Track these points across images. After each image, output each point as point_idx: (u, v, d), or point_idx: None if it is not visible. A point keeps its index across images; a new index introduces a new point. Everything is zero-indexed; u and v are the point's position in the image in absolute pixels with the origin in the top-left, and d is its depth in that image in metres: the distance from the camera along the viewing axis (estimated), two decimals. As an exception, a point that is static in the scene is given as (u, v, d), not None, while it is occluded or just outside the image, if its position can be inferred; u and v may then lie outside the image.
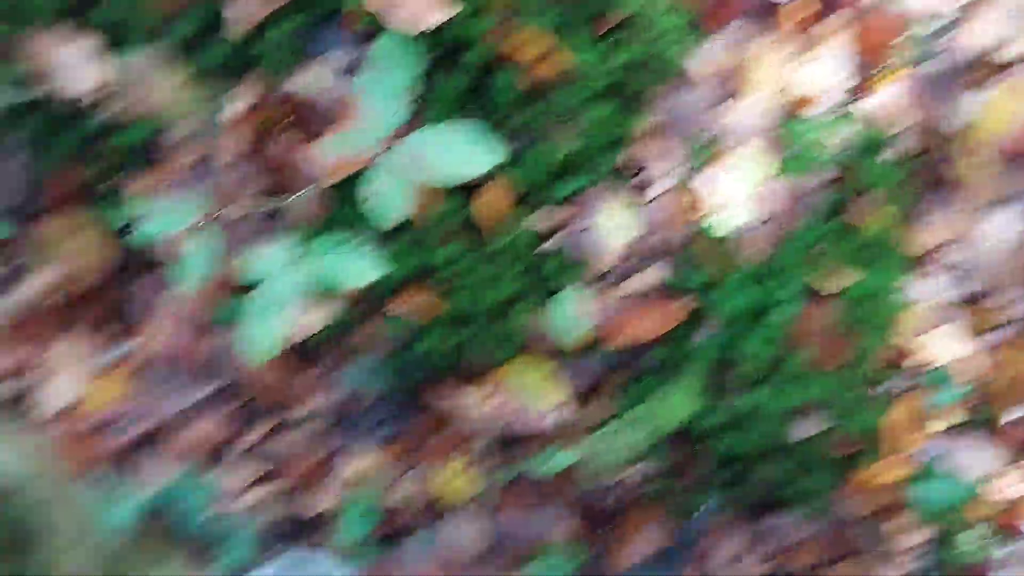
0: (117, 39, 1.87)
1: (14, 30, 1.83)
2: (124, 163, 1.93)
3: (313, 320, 1.83)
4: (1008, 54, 2.25)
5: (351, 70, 1.90)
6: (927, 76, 2.22)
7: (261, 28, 1.87)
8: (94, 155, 1.91)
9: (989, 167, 2.16)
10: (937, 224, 2.13)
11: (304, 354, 2.01)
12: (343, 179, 1.81)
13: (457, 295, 1.93)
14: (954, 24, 2.28)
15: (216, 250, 1.95)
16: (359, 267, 1.71)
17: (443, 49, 1.85)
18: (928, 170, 2.19)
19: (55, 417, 1.95)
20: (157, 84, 1.87)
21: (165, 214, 1.93)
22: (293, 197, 1.90)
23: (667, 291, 2.03)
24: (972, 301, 2.17)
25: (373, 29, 1.83)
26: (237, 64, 1.90)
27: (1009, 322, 2.17)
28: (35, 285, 1.95)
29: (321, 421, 2.09)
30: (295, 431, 2.07)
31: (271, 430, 2.05)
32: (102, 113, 1.85)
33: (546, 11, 1.88)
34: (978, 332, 2.16)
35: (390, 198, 1.63)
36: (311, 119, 1.93)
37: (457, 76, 1.86)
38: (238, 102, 1.87)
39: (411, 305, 1.93)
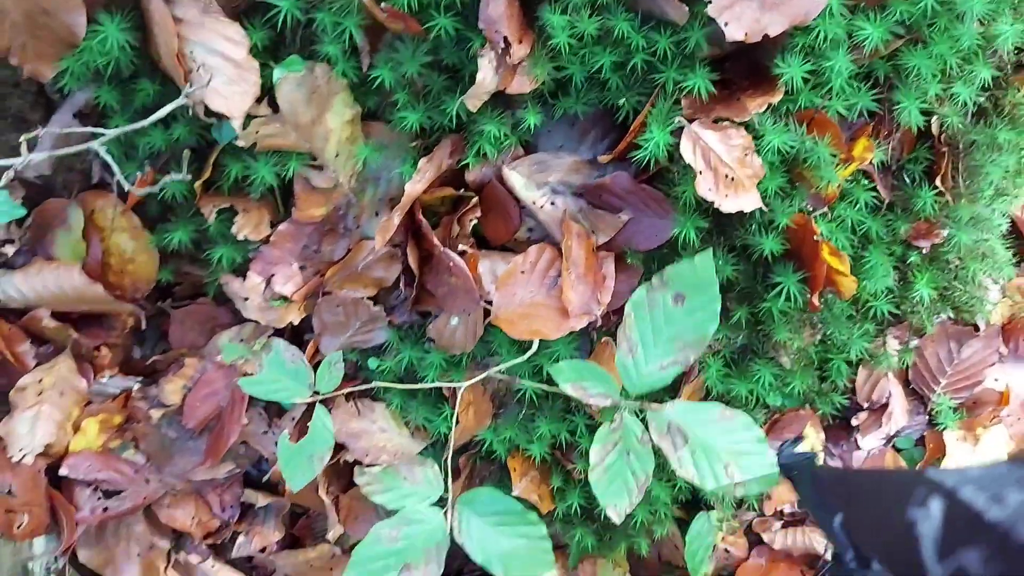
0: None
1: None
2: (241, 189, 1.34)
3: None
4: None
5: (593, 195, 1.32)
6: None
7: (499, 99, 1.26)
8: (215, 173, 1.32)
9: None
10: None
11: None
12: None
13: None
14: None
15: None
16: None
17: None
18: None
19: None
20: (326, 115, 1.26)
21: (266, 262, 1.37)
22: (446, 321, 1.36)
23: (815, 562, 1.62)
24: None
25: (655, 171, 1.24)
26: (440, 127, 1.29)
27: None
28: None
29: None
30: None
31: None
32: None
33: (860, 212, 1.34)
34: None
35: (616, 478, 1.10)
36: (501, 222, 1.36)
37: (729, 265, 1.32)
38: (426, 173, 1.28)
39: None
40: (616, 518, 1.08)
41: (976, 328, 1.55)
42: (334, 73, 1.23)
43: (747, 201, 1.19)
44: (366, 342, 1.45)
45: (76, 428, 1.49)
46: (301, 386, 1.15)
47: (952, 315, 1.55)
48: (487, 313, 1.33)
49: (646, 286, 1.09)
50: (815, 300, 1.32)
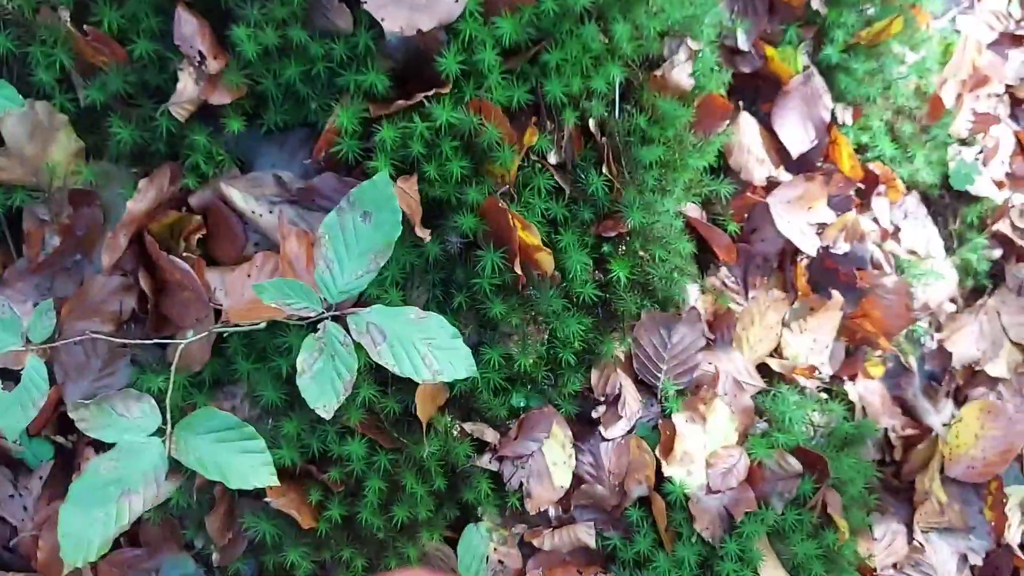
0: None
1: None
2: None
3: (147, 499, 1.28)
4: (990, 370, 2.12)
5: (307, 199, 1.48)
6: (908, 378, 2.06)
7: (208, 117, 1.43)
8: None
9: (943, 490, 1.97)
10: (887, 542, 1.90)
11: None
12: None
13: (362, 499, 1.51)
14: (942, 331, 2.14)
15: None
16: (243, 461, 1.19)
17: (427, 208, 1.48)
18: (893, 476, 1.99)
19: None
20: (50, 148, 1.38)
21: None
22: (182, 338, 1.43)
23: (589, 557, 1.68)
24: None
25: (346, 161, 1.43)
26: (157, 152, 1.44)
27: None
28: None
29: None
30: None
31: None
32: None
33: (544, 199, 1.54)
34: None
35: (324, 380, 1.18)
36: (228, 242, 1.49)
37: (436, 246, 1.48)
38: (148, 193, 1.40)
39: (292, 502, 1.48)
40: (325, 415, 1.15)
41: (679, 313, 1.75)
42: (54, 107, 1.38)
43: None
44: (112, 384, 1.49)
45: None
46: (13, 336, 1.18)
47: (659, 307, 1.75)
48: (219, 315, 1.42)
49: (336, 210, 1.24)
50: (517, 268, 1.49)
